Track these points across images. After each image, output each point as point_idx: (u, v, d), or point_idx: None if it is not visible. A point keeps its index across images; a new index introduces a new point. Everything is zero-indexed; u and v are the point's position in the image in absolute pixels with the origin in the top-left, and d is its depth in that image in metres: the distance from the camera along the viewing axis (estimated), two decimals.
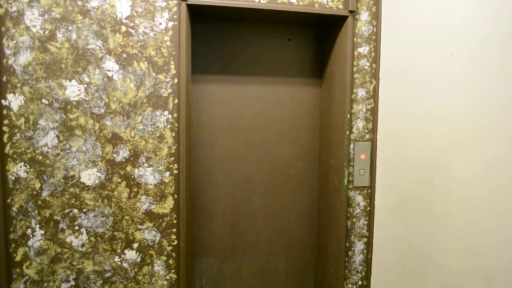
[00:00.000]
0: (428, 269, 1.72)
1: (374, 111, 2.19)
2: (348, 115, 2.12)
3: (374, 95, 2.18)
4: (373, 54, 2.17)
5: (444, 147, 1.62)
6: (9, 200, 1.83)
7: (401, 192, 1.94)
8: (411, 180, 1.85)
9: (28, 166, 1.84)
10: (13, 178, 1.83)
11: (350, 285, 2.27)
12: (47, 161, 1.85)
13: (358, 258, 2.27)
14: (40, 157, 1.85)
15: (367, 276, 2.27)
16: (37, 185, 1.86)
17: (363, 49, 2.16)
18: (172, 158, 1.96)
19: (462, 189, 1.52)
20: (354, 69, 2.15)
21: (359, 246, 2.26)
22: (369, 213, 2.23)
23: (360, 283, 2.29)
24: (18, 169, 1.83)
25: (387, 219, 2.08)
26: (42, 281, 1.91)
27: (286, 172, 2.42)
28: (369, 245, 2.25)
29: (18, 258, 1.87)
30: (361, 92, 2.17)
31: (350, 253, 2.25)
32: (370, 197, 2.22)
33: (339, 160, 2.18)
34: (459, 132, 1.54)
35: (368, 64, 2.16)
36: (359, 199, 2.22)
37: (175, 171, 1.97)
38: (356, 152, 2.18)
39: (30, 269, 1.89)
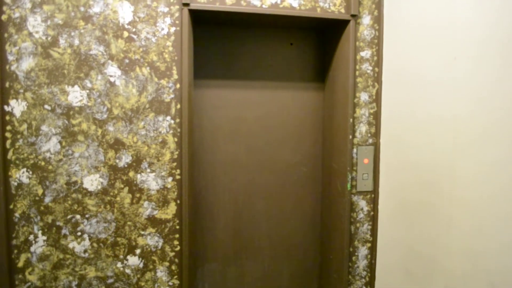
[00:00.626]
0: (432, 273, 1.70)
1: (377, 115, 2.18)
2: (351, 119, 2.12)
3: (376, 99, 2.17)
4: (375, 58, 2.16)
5: (446, 150, 1.61)
6: (11, 206, 1.83)
7: (404, 196, 1.93)
8: (414, 184, 1.84)
9: (30, 172, 1.84)
10: (15, 184, 1.83)
11: None
12: (50, 167, 1.85)
13: (362, 263, 2.26)
14: (43, 163, 1.85)
15: (371, 282, 2.25)
16: (40, 191, 1.86)
17: (365, 53, 2.15)
18: (175, 164, 1.96)
19: (465, 191, 1.51)
20: (357, 73, 2.14)
21: (363, 251, 2.25)
22: (373, 218, 2.22)
23: (364, 287, 2.27)
24: (20, 175, 1.83)
25: (390, 223, 2.07)
26: (45, 287, 1.90)
27: (288, 177, 2.41)
28: (373, 250, 2.23)
29: (20, 264, 1.87)
30: (363, 96, 2.17)
31: (354, 258, 2.24)
32: (374, 202, 2.21)
33: (342, 165, 2.17)
34: (462, 135, 1.53)
35: (370, 68, 2.16)
36: (362, 204, 2.21)
37: (178, 177, 1.97)
38: (359, 157, 2.18)
39: (33, 275, 1.89)
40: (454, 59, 1.57)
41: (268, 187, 2.39)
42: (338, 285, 2.23)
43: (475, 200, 1.47)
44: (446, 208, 1.62)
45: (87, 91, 1.86)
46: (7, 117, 1.80)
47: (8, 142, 1.81)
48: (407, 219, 1.90)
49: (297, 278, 2.48)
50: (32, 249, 1.87)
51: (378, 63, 2.16)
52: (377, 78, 2.17)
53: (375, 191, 2.20)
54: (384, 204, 2.14)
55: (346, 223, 2.15)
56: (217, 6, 1.95)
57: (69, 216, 1.89)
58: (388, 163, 2.10)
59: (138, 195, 1.94)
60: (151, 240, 1.97)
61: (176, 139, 1.95)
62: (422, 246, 1.79)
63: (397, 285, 2.00)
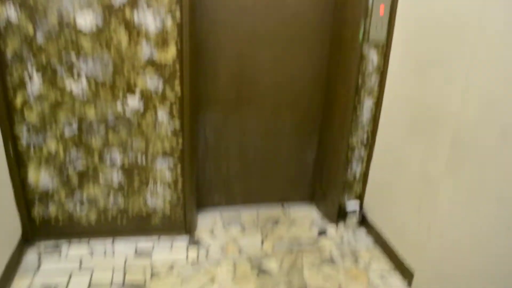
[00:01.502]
0: (440, 122, 1.67)
1: None
2: None
3: None
4: None
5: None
6: (1, 45, 1.72)
7: (419, 50, 1.81)
8: (433, 35, 1.71)
9: (18, 9, 1.68)
10: (3, 23, 1.69)
11: (355, 139, 2.27)
12: (39, 4, 1.69)
13: (365, 115, 2.23)
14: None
15: (373, 132, 2.27)
16: (30, 30, 1.73)
17: None
18: (175, 1, 1.79)
19: (491, 41, 1.38)
20: None
21: (368, 103, 2.20)
22: (382, 70, 2.13)
23: (365, 138, 2.29)
24: (7, 12, 1.68)
25: (401, 76, 1.98)
26: (45, 125, 1.89)
27: (295, 25, 2.24)
28: (378, 103, 2.19)
29: (18, 103, 1.83)
30: None
31: (358, 109, 2.20)
32: (385, 54, 2.09)
33: (355, 13, 2.01)
34: None
35: None
36: (372, 55, 2.10)
37: (178, 16, 1.81)
38: (375, 4, 2.00)
39: (32, 114, 1.86)
40: None
41: (273, 35, 2.23)
42: (340, 134, 2.26)
43: (501, 50, 1.34)
44: (466, 61, 1.51)
45: None
46: None
47: None
48: (420, 73, 1.81)
49: (299, 127, 2.49)
50: (28, 88, 1.82)
51: None
52: None
53: (388, 43, 2.07)
54: (396, 57, 2.03)
55: (354, 74, 2.08)
56: None
57: (64, 57, 1.79)
58: (406, 12, 1.93)
59: (136, 35, 1.81)
60: (151, 82, 1.90)
61: None
62: (432, 100, 1.72)
63: (401, 137, 1.99)
